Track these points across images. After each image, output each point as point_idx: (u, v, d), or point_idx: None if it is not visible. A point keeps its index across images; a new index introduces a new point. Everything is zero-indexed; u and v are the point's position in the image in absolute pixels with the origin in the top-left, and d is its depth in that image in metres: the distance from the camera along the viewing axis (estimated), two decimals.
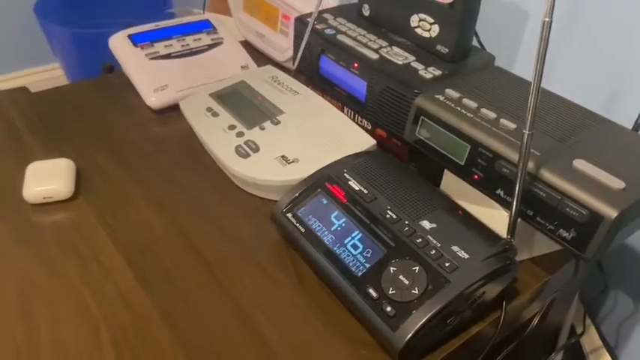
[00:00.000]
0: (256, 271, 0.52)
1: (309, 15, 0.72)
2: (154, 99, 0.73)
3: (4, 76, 1.75)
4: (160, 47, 0.78)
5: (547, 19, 0.38)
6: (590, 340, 0.78)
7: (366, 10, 0.72)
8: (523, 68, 0.74)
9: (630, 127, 0.55)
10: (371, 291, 0.45)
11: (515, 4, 0.72)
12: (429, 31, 0.64)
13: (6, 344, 0.45)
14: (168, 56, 0.77)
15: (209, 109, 0.69)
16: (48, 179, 0.58)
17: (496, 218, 0.53)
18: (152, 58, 0.76)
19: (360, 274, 0.47)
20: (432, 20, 0.63)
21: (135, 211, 0.58)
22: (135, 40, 0.78)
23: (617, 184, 0.44)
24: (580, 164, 0.46)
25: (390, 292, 0.44)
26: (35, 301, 0.48)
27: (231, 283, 0.51)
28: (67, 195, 0.58)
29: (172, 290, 0.50)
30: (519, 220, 0.47)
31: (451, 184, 0.57)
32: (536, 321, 0.53)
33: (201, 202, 0.60)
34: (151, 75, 0.75)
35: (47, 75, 1.81)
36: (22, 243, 0.54)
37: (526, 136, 0.43)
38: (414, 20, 0.65)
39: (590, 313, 0.78)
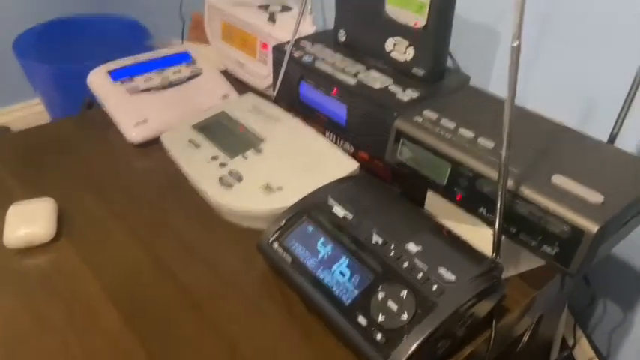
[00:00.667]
0: (245, 304, 0.52)
1: (287, 43, 0.73)
2: (134, 134, 0.73)
3: None
4: (140, 81, 0.78)
5: (515, 44, 0.39)
6: (582, 351, 0.78)
7: (342, 36, 0.73)
8: (498, 86, 0.75)
9: (605, 140, 0.56)
10: (360, 319, 0.45)
11: (487, 25, 0.74)
12: (404, 54, 0.65)
13: None
14: (148, 90, 0.77)
15: (191, 141, 0.69)
16: (29, 222, 0.57)
17: (481, 236, 0.53)
18: (132, 93, 0.76)
19: (348, 301, 0.46)
20: (406, 43, 0.64)
21: (119, 249, 0.57)
22: (114, 75, 0.78)
23: (596, 198, 0.44)
24: (559, 180, 0.46)
25: (380, 319, 0.44)
26: (20, 348, 0.47)
27: (220, 319, 0.50)
28: (49, 237, 0.57)
29: (160, 329, 0.49)
30: (503, 237, 0.48)
31: (435, 204, 0.58)
32: (527, 337, 0.53)
33: (187, 236, 0.59)
34: (131, 110, 0.74)
35: (28, 111, 1.80)
36: (4, 289, 0.53)
37: (504, 155, 0.43)
38: (389, 44, 0.66)
39: (580, 324, 0.79)
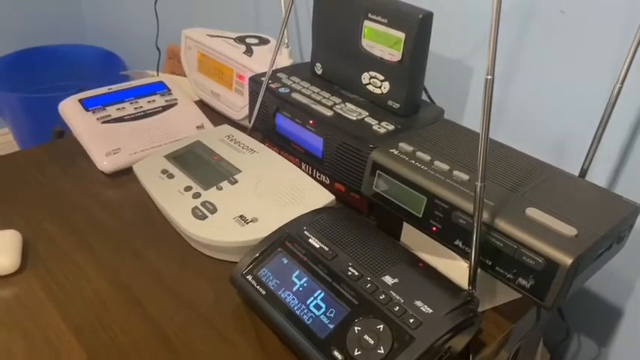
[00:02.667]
0: (217, 340, 0.50)
1: (264, 74, 0.73)
2: (105, 163, 0.71)
3: None
4: (112, 110, 0.77)
5: (489, 77, 0.40)
6: None
7: (318, 69, 0.74)
8: (471, 120, 0.77)
9: (577, 174, 0.57)
10: (336, 353, 0.44)
11: (460, 61, 0.76)
12: (380, 87, 0.66)
13: None
14: (120, 119, 0.76)
15: (164, 171, 0.67)
16: None
17: (457, 269, 0.53)
18: (104, 122, 0.75)
19: (324, 335, 0.45)
20: (382, 77, 0.65)
21: (85, 281, 0.55)
22: (86, 104, 0.77)
23: (570, 230, 0.45)
24: (533, 212, 0.47)
25: (356, 354, 0.43)
26: None
27: (191, 355, 0.48)
28: (12, 269, 0.55)
29: None
30: (479, 269, 0.48)
31: (411, 236, 0.58)
32: None
33: (157, 269, 0.58)
34: (103, 139, 0.73)
35: None
36: None
37: (478, 187, 0.44)
38: (365, 78, 0.67)
39: (555, 359, 0.78)
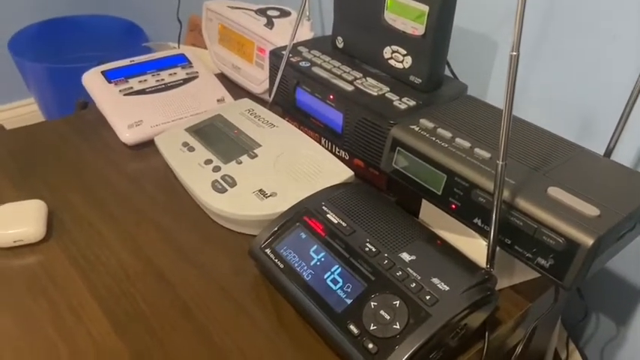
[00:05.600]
0: (235, 310, 0.51)
1: (284, 48, 0.73)
2: (128, 135, 0.72)
3: None
4: (135, 83, 0.77)
5: (514, 53, 0.39)
6: None
7: (339, 43, 0.73)
8: (495, 96, 0.75)
9: (602, 153, 0.56)
10: (352, 327, 0.44)
11: (485, 35, 0.74)
12: (402, 62, 0.65)
13: None
14: (142, 92, 0.77)
15: (185, 144, 0.68)
16: (19, 222, 0.56)
17: (475, 247, 0.53)
18: (126, 94, 0.76)
19: (340, 309, 0.46)
20: (404, 52, 0.64)
21: (108, 251, 0.57)
22: (109, 76, 0.77)
23: (592, 211, 0.44)
24: (555, 192, 0.46)
25: (372, 328, 0.44)
26: (4, 351, 0.46)
27: (210, 324, 0.49)
28: (38, 237, 0.56)
29: (148, 334, 0.48)
30: (498, 248, 0.47)
31: (429, 213, 0.57)
32: (519, 349, 0.52)
33: (178, 240, 0.59)
34: (125, 111, 0.74)
35: (22, 110, 1.79)
36: None
37: (500, 166, 0.43)
38: (387, 52, 0.66)
39: (573, 338, 0.78)
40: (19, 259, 0.55)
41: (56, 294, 0.51)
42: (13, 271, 0.54)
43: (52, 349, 0.46)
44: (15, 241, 0.56)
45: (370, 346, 0.43)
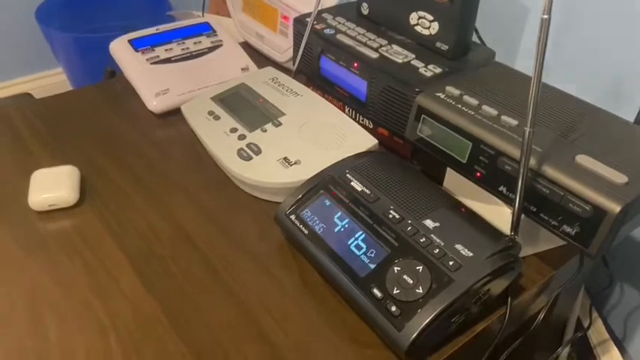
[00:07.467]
0: (261, 273, 0.52)
1: (308, 15, 0.72)
2: (155, 103, 0.73)
3: (8, 83, 1.76)
4: (161, 51, 0.78)
5: (545, 17, 0.38)
6: (597, 333, 0.78)
7: (365, 9, 0.72)
8: (524, 63, 0.74)
9: (632, 120, 0.55)
10: (375, 291, 0.45)
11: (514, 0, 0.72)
12: (428, 28, 0.64)
13: (17, 352, 0.45)
14: (168, 60, 0.77)
15: (210, 113, 0.69)
16: (53, 186, 0.58)
17: (499, 215, 0.53)
18: (153, 63, 0.76)
19: (364, 274, 0.47)
20: (431, 17, 0.63)
21: (140, 216, 0.58)
22: (135, 44, 0.78)
23: (620, 178, 0.43)
24: (582, 159, 0.46)
25: (395, 292, 0.44)
26: (44, 310, 0.49)
27: (237, 286, 0.51)
28: (72, 202, 0.58)
29: (179, 295, 0.50)
30: (523, 216, 0.47)
31: (454, 181, 0.57)
32: (542, 316, 0.53)
33: (205, 206, 0.60)
34: (152, 79, 0.75)
35: (50, 80, 1.82)
36: (28, 251, 0.54)
37: (527, 133, 0.43)
38: (413, 18, 0.65)
39: (596, 306, 0.78)
40: (54, 222, 0.57)
41: (91, 256, 0.54)
42: (49, 234, 0.56)
43: (90, 307, 0.49)
44: (50, 205, 0.58)
45: (393, 308, 0.44)
